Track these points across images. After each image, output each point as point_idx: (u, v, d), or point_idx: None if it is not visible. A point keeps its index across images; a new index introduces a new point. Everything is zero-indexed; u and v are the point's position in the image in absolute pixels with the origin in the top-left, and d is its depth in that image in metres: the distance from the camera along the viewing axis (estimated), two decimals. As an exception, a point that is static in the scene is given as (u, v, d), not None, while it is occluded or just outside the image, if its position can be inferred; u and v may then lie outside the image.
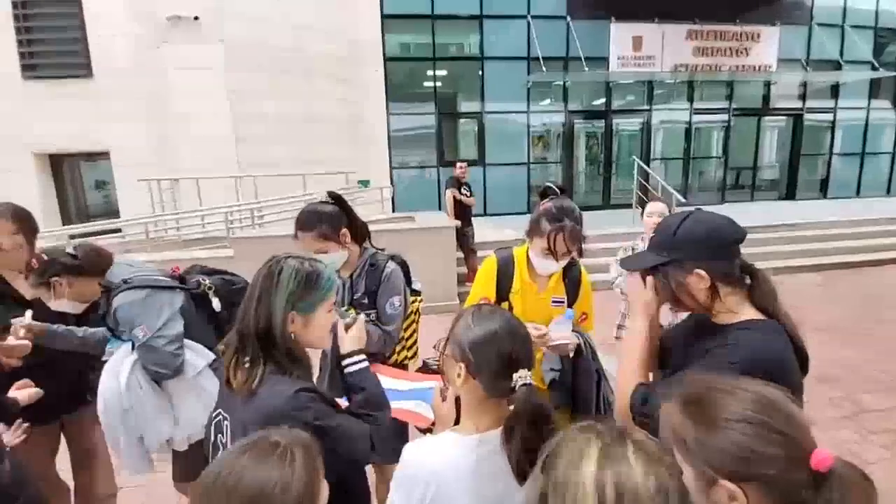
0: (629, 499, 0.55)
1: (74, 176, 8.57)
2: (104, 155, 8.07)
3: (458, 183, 6.15)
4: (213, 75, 7.58)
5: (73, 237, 6.88)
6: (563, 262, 1.61)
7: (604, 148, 10.83)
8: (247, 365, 1.05)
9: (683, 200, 7.63)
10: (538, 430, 0.87)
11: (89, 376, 1.88)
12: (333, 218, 1.69)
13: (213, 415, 1.17)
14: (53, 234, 7.22)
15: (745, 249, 1.10)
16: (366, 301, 1.74)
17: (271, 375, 1.04)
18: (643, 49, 9.73)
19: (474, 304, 1.08)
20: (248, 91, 7.84)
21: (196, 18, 7.31)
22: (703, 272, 1.03)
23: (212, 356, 1.82)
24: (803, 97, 11.30)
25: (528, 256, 1.69)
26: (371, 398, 1.19)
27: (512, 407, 0.92)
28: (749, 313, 1.06)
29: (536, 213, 1.59)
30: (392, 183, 9.64)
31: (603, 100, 10.60)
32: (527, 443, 0.86)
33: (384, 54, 9.39)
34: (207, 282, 1.84)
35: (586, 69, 9.35)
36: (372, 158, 9.38)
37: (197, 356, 1.78)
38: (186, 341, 1.78)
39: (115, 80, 7.70)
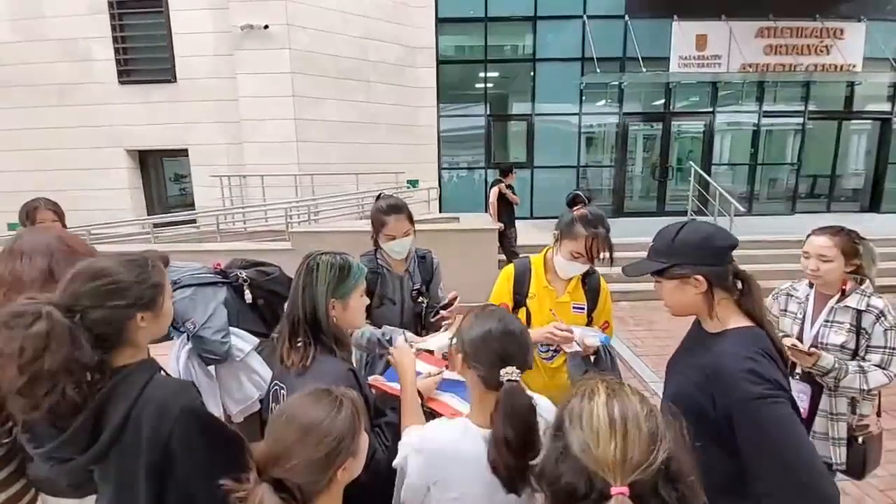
0: (631, 418, 0.69)
1: (158, 171, 9.55)
2: (183, 152, 8.92)
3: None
4: (280, 81, 8.14)
5: (156, 226, 7.74)
6: (586, 267, 1.67)
7: (661, 152, 10.40)
8: (299, 346, 1.23)
9: (743, 210, 7.22)
10: (519, 424, 0.96)
11: None
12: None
13: (272, 387, 1.36)
14: (138, 222, 8.15)
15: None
16: (423, 289, 1.95)
17: (321, 355, 1.22)
18: (708, 48, 9.22)
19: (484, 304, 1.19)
20: (310, 95, 8.34)
21: (266, 27, 7.89)
22: (700, 277, 1.11)
23: (256, 341, 2.07)
24: (893, 99, 10.20)
25: (545, 261, 1.75)
26: (399, 432, 1.26)
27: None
28: (737, 320, 1.14)
29: (570, 217, 1.65)
30: (440, 183, 9.86)
31: (661, 101, 10.17)
32: (509, 436, 0.95)
33: (437, 57, 9.60)
34: (244, 275, 2.10)
35: (644, 70, 9.03)
36: (421, 159, 9.63)
37: (243, 341, 2.02)
38: (232, 329, 2.01)
39: (194, 84, 8.50)
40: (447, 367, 1.53)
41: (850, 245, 1.74)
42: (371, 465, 1.15)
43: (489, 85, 10.10)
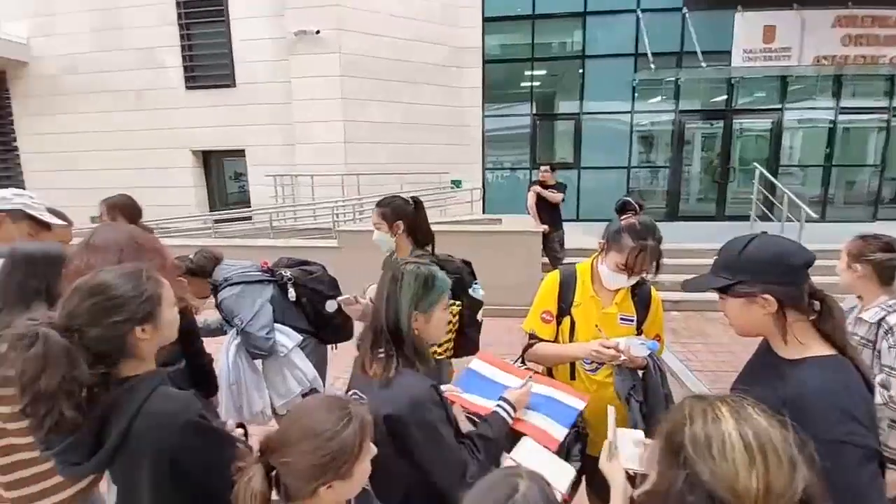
0: (769, 446, 0.64)
1: (219, 170, 10.16)
2: (241, 153, 9.44)
3: (541, 186, 5.97)
4: (330, 84, 8.41)
5: (216, 221, 8.25)
6: (634, 280, 1.58)
7: (722, 152, 9.78)
8: (381, 356, 1.20)
9: (815, 216, 6.62)
10: None
11: None
12: (398, 210, 2.02)
13: (350, 394, 1.30)
14: (201, 218, 8.71)
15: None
16: None
17: (404, 368, 1.18)
18: (776, 40, 8.56)
19: None
20: (358, 97, 8.56)
21: (318, 32, 8.17)
22: (769, 296, 1.01)
23: (300, 338, 2.16)
24: None
25: (592, 268, 1.67)
26: (491, 447, 1.23)
27: None
28: (816, 346, 1.02)
29: (617, 226, 1.57)
30: (484, 184, 9.80)
31: (723, 98, 9.56)
32: None
33: (483, 57, 9.53)
34: (288, 273, 2.19)
35: (704, 65, 8.52)
36: (465, 159, 9.62)
37: (286, 338, 2.12)
38: (277, 325, 2.12)
39: (252, 89, 8.97)
40: (531, 376, 1.48)
41: (859, 249, 1.71)
42: (467, 480, 1.11)
43: (535, 83, 9.92)
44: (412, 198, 2.10)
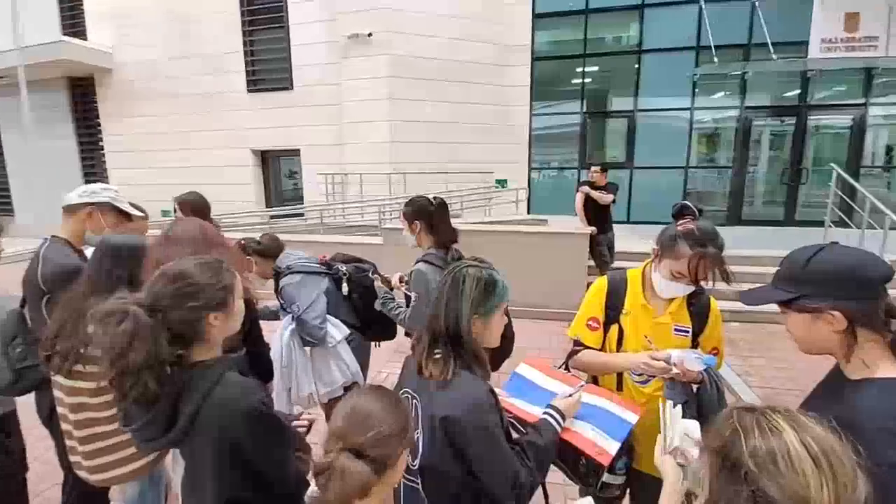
0: (831, 453, 0.63)
1: (276, 169, 10.70)
2: (296, 152, 9.88)
3: (591, 186, 5.75)
4: (378, 85, 8.60)
5: (273, 217, 8.70)
6: (690, 289, 1.50)
7: (793, 151, 9.04)
8: (437, 357, 1.18)
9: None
10: None
11: None
12: (417, 211, 2.16)
13: (401, 393, 1.28)
14: (258, 214, 9.20)
15: None
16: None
17: (461, 370, 1.17)
18: (860, 28, 7.78)
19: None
20: (405, 98, 8.70)
21: (370, 35, 8.38)
22: (837, 313, 0.92)
23: (347, 331, 2.25)
24: None
25: (644, 275, 1.59)
26: (541, 454, 1.22)
27: None
28: (886, 367, 0.93)
29: (672, 232, 1.48)
30: (529, 184, 9.64)
31: (796, 92, 8.83)
32: None
33: (532, 54, 9.37)
34: (343, 269, 2.28)
35: (774, 57, 7.90)
36: (512, 158, 9.50)
37: (336, 330, 2.21)
38: (328, 317, 2.22)
39: (307, 91, 9.35)
40: (583, 384, 1.45)
41: None
42: (515, 487, 1.12)
43: (587, 80, 9.62)
44: (435, 198, 2.18)
